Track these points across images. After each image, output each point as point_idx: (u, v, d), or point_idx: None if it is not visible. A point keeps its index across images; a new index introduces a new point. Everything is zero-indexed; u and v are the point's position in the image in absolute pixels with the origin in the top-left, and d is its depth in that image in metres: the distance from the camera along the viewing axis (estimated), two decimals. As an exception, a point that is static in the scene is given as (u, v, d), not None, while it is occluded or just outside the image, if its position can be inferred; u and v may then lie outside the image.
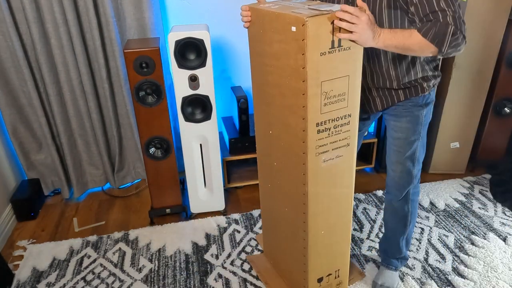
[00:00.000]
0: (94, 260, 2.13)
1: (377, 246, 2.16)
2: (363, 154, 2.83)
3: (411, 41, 1.26)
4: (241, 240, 2.24)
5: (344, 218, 1.66)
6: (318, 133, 1.38)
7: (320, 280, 1.74)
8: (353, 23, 1.20)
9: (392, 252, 1.87)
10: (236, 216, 2.45)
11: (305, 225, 1.57)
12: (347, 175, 1.55)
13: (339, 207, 1.61)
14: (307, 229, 1.57)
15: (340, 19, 1.21)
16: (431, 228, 2.29)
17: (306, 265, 1.67)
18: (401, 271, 1.98)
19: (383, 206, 2.20)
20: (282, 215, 1.74)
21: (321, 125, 1.37)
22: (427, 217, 2.37)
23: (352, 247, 2.15)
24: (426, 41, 1.25)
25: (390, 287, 1.85)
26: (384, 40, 1.27)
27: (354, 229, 2.29)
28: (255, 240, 2.24)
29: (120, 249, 2.21)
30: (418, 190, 1.76)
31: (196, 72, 2.09)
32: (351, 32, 1.23)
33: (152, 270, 2.06)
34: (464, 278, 1.93)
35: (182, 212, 2.48)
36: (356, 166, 1.64)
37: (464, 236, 2.21)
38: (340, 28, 1.23)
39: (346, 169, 1.53)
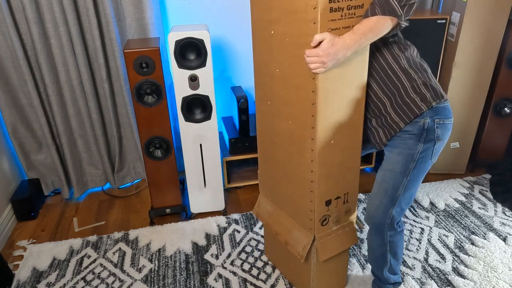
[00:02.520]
0: (94, 260, 2.13)
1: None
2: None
3: (372, 25, 1.28)
4: (241, 240, 2.24)
5: (355, 131, 1.49)
6: (330, 11, 1.25)
7: (328, 203, 1.55)
8: (317, 62, 1.28)
9: (379, 279, 1.79)
10: (236, 216, 2.45)
11: (313, 132, 1.41)
12: (359, 72, 1.40)
13: (350, 111, 1.44)
14: (315, 136, 1.40)
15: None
16: (431, 228, 2.29)
17: (314, 183, 1.48)
18: (401, 271, 1.98)
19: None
20: (284, 131, 1.56)
21: (333, 1, 1.25)
22: (427, 217, 2.37)
23: (353, 247, 2.15)
24: (381, 17, 1.27)
25: None
26: (354, 42, 1.28)
27: (354, 229, 2.29)
28: (255, 240, 2.24)
29: (120, 249, 2.21)
30: (400, 230, 1.60)
31: (196, 72, 2.09)
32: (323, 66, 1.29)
33: (152, 270, 2.06)
34: (464, 278, 1.93)
35: (182, 212, 2.48)
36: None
37: (464, 236, 2.21)
38: None
39: (359, 67, 1.40)
